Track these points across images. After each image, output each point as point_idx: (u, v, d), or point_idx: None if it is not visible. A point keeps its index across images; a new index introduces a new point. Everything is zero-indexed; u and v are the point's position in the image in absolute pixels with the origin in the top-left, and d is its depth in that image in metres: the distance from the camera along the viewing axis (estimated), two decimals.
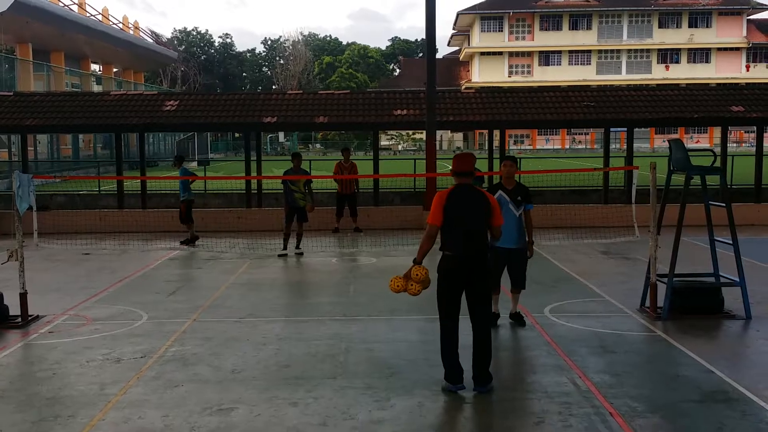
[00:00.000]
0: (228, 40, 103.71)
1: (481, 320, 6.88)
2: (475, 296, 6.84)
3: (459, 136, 76.41)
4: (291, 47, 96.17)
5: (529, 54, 78.89)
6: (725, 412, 6.34)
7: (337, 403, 6.60)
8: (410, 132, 67.22)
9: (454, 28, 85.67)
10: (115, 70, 60.09)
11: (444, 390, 6.85)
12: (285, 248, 14.68)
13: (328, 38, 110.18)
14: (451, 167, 7.02)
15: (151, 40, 68.23)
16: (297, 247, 14.81)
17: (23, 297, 9.57)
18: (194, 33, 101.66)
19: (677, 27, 77.64)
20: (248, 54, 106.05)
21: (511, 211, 8.84)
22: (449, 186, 7.05)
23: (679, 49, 78.02)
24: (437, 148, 19.60)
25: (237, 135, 64.81)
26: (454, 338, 6.89)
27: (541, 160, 42.33)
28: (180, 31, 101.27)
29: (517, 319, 9.20)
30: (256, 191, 19.59)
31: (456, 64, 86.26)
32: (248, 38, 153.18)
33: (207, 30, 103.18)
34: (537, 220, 9.68)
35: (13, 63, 39.81)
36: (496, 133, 21.35)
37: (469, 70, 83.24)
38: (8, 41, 41.08)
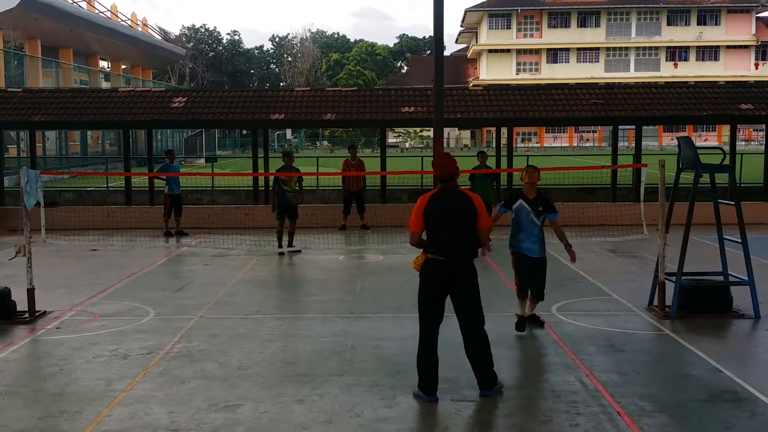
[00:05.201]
0: (236, 37, 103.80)
1: (469, 325, 6.62)
2: (460, 302, 6.60)
3: (467, 133, 76.46)
4: (299, 44, 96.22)
5: (537, 51, 78.79)
6: (733, 411, 6.31)
7: (343, 400, 6.59)
8: (417, 129, 67.20)
9: (461, 26, 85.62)
10: (123, 66, 60.18)
11: (415, 396, 6.64)
12: (280, 246, 14.72)
13: (336, 35, 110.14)
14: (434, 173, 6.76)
15: (159, 37, 68.32)
16: (290, 245, 14.80)
17: (31, 293, 9.61)
18: (202, 30, 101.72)
19: (686, 24, 77.43)
20: (256, 51, 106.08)
21: (532, 221, 8.69)
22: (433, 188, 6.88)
23: (688, 47, 77.82)
24: (445, 145, 19.56)
25: (245, 132, 64.87)
26: (432, 345, 6.60)
27: (549, 157, 42.23)
28: (188, 28, 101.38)
29: (534, 321, 9.08)
30: (263, 188, 19.62)
31: (464, 62, 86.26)
32: (252, 36, 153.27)
33: (215, 27, 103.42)
34: None
35: (22, 59, 39.93)
36: (504, 130, 21.29)
37: (476, 68, 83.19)
38: (17, 38, 41.17)
